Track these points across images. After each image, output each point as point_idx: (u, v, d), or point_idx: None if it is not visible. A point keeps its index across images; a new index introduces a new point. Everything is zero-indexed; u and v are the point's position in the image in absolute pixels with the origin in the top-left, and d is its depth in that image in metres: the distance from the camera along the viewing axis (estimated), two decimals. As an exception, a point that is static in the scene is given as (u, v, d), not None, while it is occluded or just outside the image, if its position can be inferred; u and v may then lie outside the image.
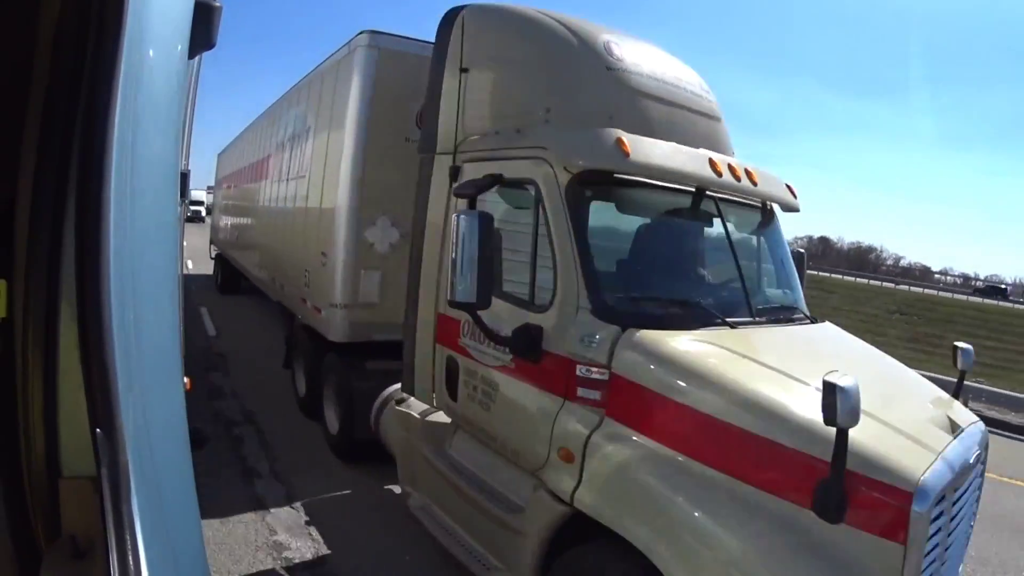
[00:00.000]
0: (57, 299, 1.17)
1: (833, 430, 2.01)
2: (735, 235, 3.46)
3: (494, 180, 3.22)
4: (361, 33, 5.36)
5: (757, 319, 3.25)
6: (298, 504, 4.77)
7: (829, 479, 2.04)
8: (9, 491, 1.21)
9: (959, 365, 3.26)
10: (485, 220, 2.85)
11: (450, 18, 3.82)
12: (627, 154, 2.85)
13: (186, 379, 1.13)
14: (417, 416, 4.10)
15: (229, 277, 14.14)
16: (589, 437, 2.70)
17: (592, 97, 3.33)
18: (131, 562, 0.82)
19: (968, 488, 2.58)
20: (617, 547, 2.51)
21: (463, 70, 3.69)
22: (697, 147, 3.37)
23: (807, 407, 2.25)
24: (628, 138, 2.90)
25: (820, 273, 42.66)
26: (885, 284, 45.37)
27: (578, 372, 2.79)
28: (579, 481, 2.71)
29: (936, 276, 65.19)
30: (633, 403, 2.65)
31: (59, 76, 1.18)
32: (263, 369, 8.15)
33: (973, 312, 35.07)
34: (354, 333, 5.42)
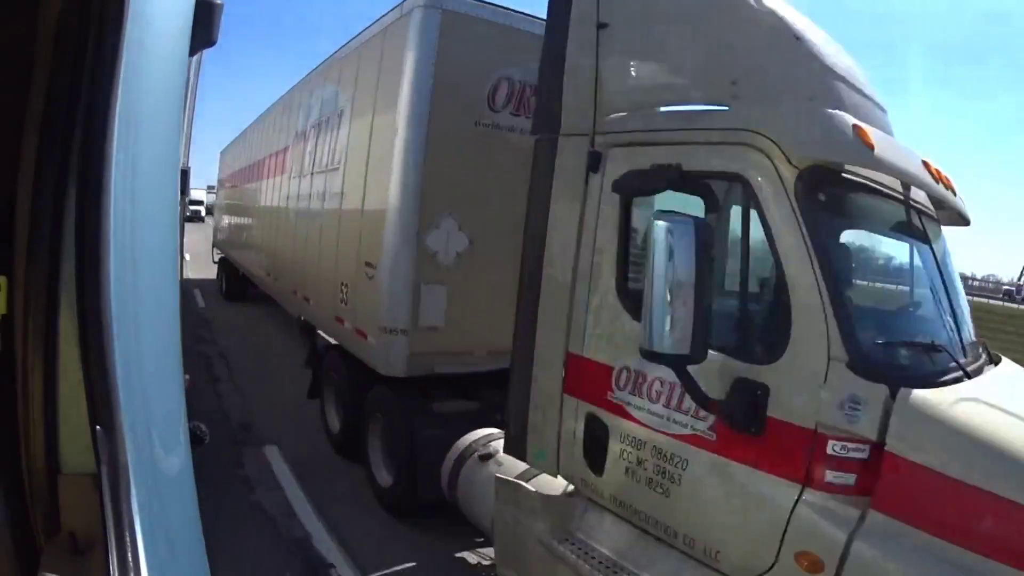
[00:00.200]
0: (57, 296, 1.17)
1: None
2: (936, 257, 2.75)
3: (671, 172, 2.44)
4: None
5: (973, 360, 2.59)
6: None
7: None
8: (9, 487, 1.21)
9: None
10: (703, 232, 2.07)
11: None
12: (871, 147, 2.17)
13: (186, 376, 1.13)
14: (526, 486, 3.10)
15: (235, 283, 13.05)
16: (850, 540, 2.00)
17: (785, 71, 2.60)
18: (130, 559, 0.82)
19: None
20: None
21: (600, 26, 2.80)
22: None
23: None
24: (868, 128, 2.23)
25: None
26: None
27: (830, 450, 2.06)
28: None
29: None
30: (923, 493, 1.95)
31: (60, 73, 1.18)
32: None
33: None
34: (414, 366, 4.36)
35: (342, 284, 5.28)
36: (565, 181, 2.88)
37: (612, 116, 2.76)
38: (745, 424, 2.20)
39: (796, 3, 2.74)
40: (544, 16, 3.18)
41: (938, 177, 2.62)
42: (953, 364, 2.29)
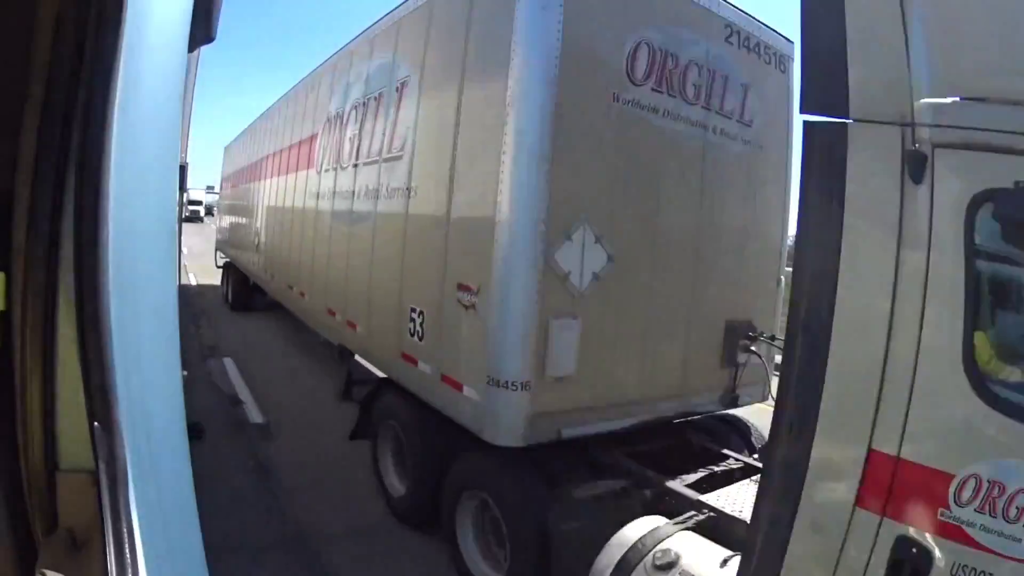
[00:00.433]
0: (56, 293, 1.17)
1: None
2: None
3: None
4: None
5: None
6: None
7: None
8: (6, 484, 1.21)
9: None
10: None
11: None
12: None
13: (184, 372, 1.13)
14: None
15: (241, 291, 11.82)
16: None
17: None
18: (128, 555, 0.82)
19: None
20: None
21: None
22: None
23: None
24: None
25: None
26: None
27: None
28: None
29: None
30: None
31: (58, 68, 1.17)
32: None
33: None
34: (536, 431, 3.22)
35: (413, 312, 4.05)
36: (864, 186, 1.90)
37: (944, 103, 1.78)
38: None
39: None
40: None
41: None
42: None
